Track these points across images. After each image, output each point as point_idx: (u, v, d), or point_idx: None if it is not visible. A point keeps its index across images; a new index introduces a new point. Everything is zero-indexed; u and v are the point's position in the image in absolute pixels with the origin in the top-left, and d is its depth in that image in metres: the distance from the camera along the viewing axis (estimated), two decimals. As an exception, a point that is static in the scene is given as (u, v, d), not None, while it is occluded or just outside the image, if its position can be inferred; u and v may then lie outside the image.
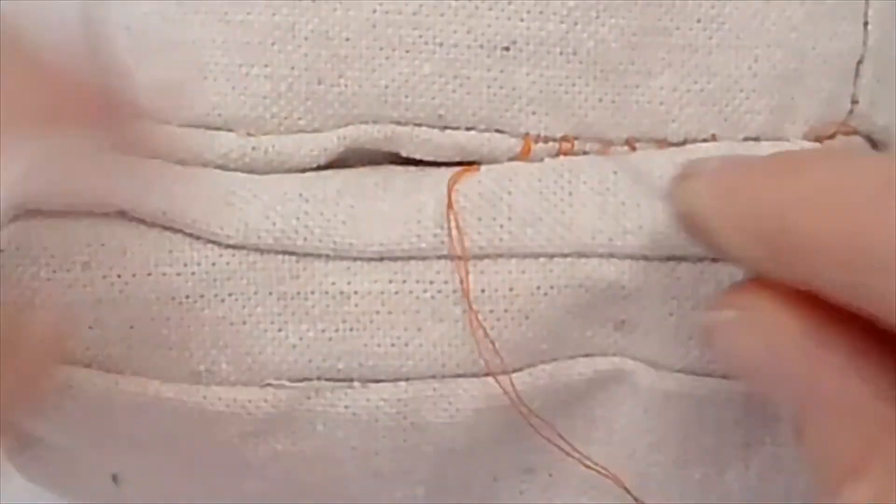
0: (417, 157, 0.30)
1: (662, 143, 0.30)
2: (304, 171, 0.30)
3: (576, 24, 0.29)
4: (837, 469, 0.23)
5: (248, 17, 0.29)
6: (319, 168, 0.30)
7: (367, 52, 0.29)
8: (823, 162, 0.23)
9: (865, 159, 0.25)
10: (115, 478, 0.32)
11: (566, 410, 0.30)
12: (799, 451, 0.24)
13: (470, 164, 0.30)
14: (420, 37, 0.29)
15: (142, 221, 0.29)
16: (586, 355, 0.29)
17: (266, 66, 0.29)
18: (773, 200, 0.23)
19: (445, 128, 0.29)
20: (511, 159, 0.30)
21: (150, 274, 0.29)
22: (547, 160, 0.30)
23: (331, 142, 0.29)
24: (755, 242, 0.23)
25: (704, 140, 0.30)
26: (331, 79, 0.29)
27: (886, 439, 0.22)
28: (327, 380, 0.29)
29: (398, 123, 0.29)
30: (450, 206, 0.29)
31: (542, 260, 0.29)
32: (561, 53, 0.29)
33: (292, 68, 0.29)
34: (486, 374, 0.29)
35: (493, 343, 0.28)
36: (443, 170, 0.30)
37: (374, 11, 0.29)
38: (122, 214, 0.29)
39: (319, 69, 0.29)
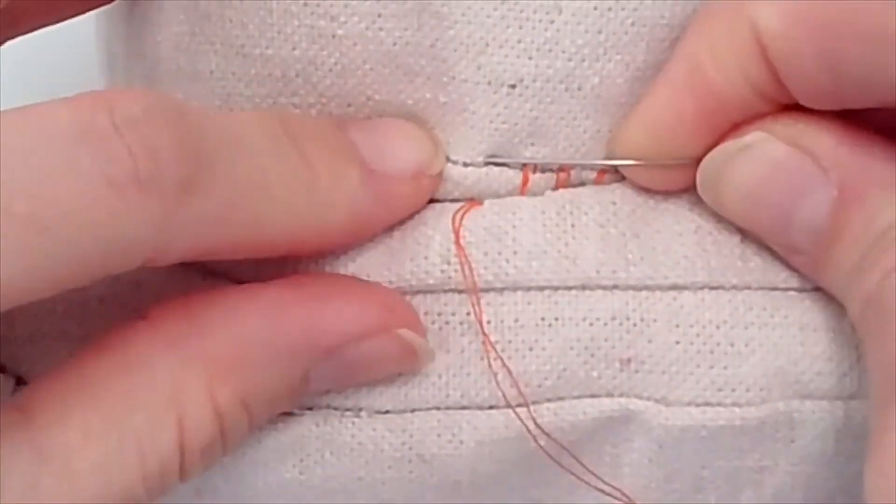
0: None
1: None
2: None
3: (583, 60, 0.29)
4: None
5: (266, 52, 0.29)
6: None
7: (391, 78, 0.29)
8: None
9: None
10: None
11: (573, 446, 0.30)
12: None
13: (470, 199, 0.30)
14: (437, 68, 0.29)
15: None
16: (592, 396, 0.29)
17: (293, 95, 0.29)
18: None
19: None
20: (510, 192, 0.30)
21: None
22: (548, 193, 0.30)
23: None
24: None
25: None
26: (359, 101, 0.29)
27: None
28: (335, 408, 0.29)
29: None
30: (457, 242, 0.29)
31: (547, 292, 0.29)
32: (566, 90, 0.30)
33: (320, 96, 0.29)
34: (505, 406, 0.29)
35: (510, 372, 0.29)
36: (446, 204, 0.30)
37: (395, 44, 0.29)
38: None
39: (347, 95, 0.29)
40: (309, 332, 0.27)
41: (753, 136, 0.28)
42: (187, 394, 0.25)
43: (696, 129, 0.28)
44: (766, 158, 0.27)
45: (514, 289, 0.29)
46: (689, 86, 0.28)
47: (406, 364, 0.29)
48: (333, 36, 0.29)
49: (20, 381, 0.29)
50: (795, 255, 0.28)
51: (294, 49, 0.29)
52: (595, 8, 0.29)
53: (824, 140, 0.27)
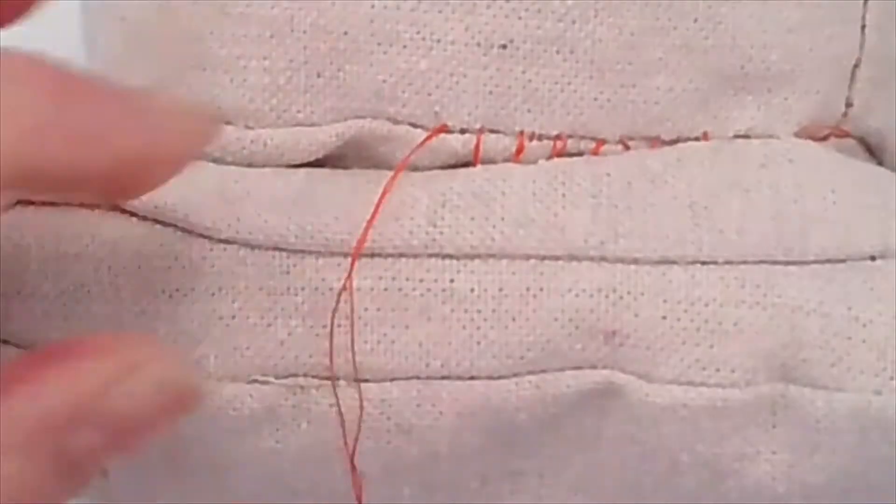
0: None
1: (655, 142, 0.30)
2: (300, 165, 0.30)
3: (574, 22, 0.29)
4: None
5: (246, 10, 0.29)
6: (317, 164, 0.30)
7: (365, 47, 0.29)
8: None
9: None
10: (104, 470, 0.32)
11: (553, 420, 0.29)
12: None
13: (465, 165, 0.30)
14: (417, 33, 0.29)
15: (133, 214, 0.29)
16: (575, 368, 0.29)
17: (265, 58, 0.29)
18: None
19: (439, 130, 0.29)
20: (506, 159, 0.30)
21: (140, 267, 0.29)
22: (541, 162, 0.30)
23: (328, 136, 0.29)
24: None
25: (696, 138, 0.30)
26: (329, 72, 0.29)
27: None
28: (313, 377, 0.29)
29: (395, 121, 0.29)
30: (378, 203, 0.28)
31: (532, 262, 0.28)
32: (558, 52, 0.29)
33: (291, 61, 0.29)
34: (486, 377, 0.28)
35: (353, 344, 0.28)
36: (436, 170, 0.30)
37: (373, 7, 0.29)
38: (115, 207, 0.29)
39: (318, 62, 0.29)
40: (39, 415, 0.23)
41: None
42: None
43: None
44: None
45: (500, 257, 0.28)
46: None
47: (179, 404, 0.25)
48: None
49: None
50: None
51: (273, 7, 0.28)
52: None
53: None
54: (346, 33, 0.29)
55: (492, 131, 0.29)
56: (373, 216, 0.28)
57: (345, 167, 0.30)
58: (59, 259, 0.29)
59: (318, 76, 0.29)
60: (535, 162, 0.30)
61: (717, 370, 0.28)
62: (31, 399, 0.23)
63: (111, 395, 0.23)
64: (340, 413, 0.29)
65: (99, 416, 0.23)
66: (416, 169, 0.30)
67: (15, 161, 0.21)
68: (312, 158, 0.30)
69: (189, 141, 0.24)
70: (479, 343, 0.28)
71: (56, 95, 0.22)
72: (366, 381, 0.29)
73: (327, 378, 0.29)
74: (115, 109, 0.23)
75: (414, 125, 0.29)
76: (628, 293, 0.28)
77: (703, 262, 0.28)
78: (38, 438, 0.23)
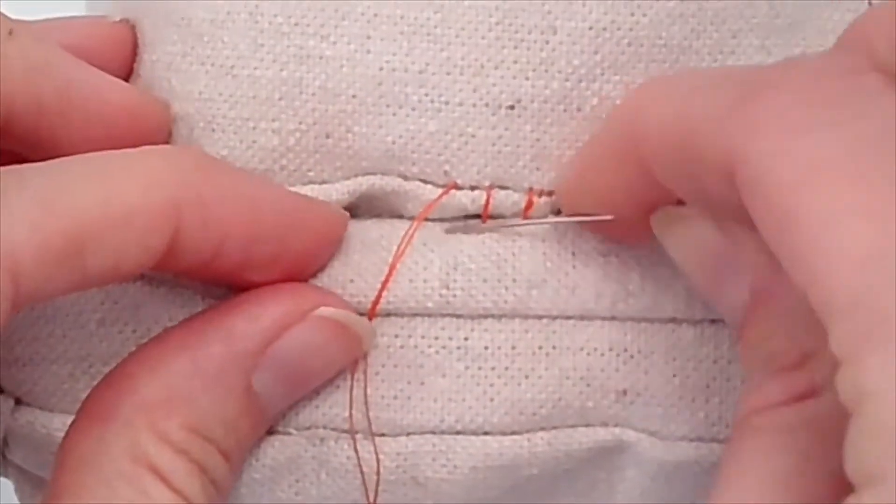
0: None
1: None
2: None
3: (580, 81, 0.29)
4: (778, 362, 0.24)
5: (255, 72, 0.29)
6: None
7: (373, 109, 0.29)
8: None
9: None
10: None
11: (566, 475, 0.29)
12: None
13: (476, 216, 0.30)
14: (426, 95, 0.29)
15: (153, 279, 0.29)
16: (586, 425, 0.29)
17: (274, 120, 0.29)
18: None
19: (451, 187, 0.29)
20: (515, 214, 0.30)
21: (164, 327, 0.29)
22: (550, 218, 0.30)
23: (341, 194, 0.30)
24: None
25: None
26: (338, 133, 0.29)
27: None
28: (332, 429, 0.29)
29: (405, 178, 0.30)
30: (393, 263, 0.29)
31: (545, 320, 0.29)
32: (565, 110, 0.29)
33: (300, 123, 0.29)
34: (499, 433, 0.29)
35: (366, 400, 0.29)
36: (445, 225, 0.30)
37: (381, 69, 0.29)
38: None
39: (327, 124, 0.29)
40: (227, 348, 0.27)
41: (688, 210, 0.27)
42: (143, 446, 0.26)
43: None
44: (693, 236, 0.27)
45: (513, 316, 0.29)
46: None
47: (346, 344, 0.28)
48: (321, 57, 0.29)
49: (19, 402, 0.30)
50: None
51: (282, 70, 0.29)
52: (590, 28, 0.29)
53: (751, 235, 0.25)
54: (354, 96, 0.29)
55: (501, 188, 0.29)
56: (387, 279, 0.29)
57: (355, 217, 0.30)
58: (83, 324, 0.29)
59: (328, 137, 0.29)
60: (545, 216, 0.30)
61: (727, 426, 0.28)
62: (221, 340, 0.27)
63: (286, 338, 0.27)
64: (360, 466, 0.29)
65: (276, 358, 0.27)
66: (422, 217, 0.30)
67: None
68: (326, 214, 0.30)
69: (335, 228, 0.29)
70: (492, 399, 0.29)
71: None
72: (382, 434, 0.29)
73: (346, 431, 0.29)
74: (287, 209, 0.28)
75: (424, 181, 0.29)
76: (639, 352, 0.29)
77: (712, 321, 0.29)
78: (229, 374, 0.27)
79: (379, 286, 0.29)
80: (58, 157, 0.27)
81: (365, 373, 0.29)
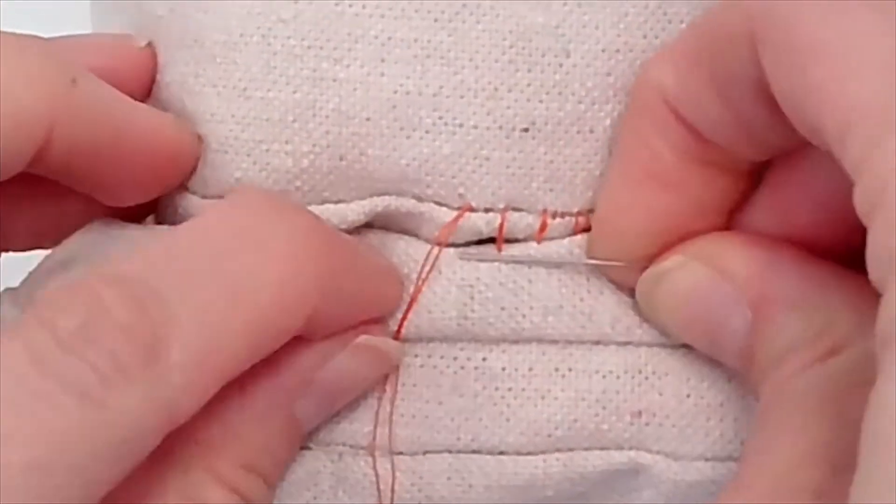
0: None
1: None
2: None
3: (593, 103, 0.29)
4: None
5: (268, 94, 0.29)
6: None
7: (387, 132, 0.29)
8: None
9: None
10: None
11: (581, 497, 0.30)
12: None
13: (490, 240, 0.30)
14: (440, 118, 0.29)
15: None
16: (601, 448, 0.29)
17: (287, 142, 0.29)
18: None
19: (465, 210, 0.29)
20: (529, 236, 0.30)
21: None
22: (565, 243, 0.30)
23: (355, 213, 0.30)
24: None
25: None
26: (352, 156, 0.29)
27: None
28: (350, 446, 0.30)
29: (419, 199, 0.30)
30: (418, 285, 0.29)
31: (561, 344, 0.29)
32: (578, 132, 0.29)
33: (314, 145, 0.29)
34: (514, 453, 0.29)
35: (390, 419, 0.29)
36: (461, 249, 0.30)
37: (395, 92, 0.29)
38: None
39: (340, 146, 0.29)
40: (275, 381, 0.27)
41: (672, 262, 0.27)
42: (197, 488, 0.26)
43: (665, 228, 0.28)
44: (683, 284, 0.27)
45: (529, 340, 0.29)
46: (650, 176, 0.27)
47: (380, 366, 0.29)
48: (335, 79, 0.29)
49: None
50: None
51: (295, 92, 0.29)
52: (603, 50, 0.29)
53: (740, 260, 0.26)
54: (368, 119, 0.29)
55: (515, 210, 0.29)
56: (407, 310, 0.29)
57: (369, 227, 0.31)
58: None
59: (341, 159, 0.29)
60: (560, 238, 0.30)
61: (742, 444, 0.29)
62: (269, 374, 0.27)
63: (327, 368, 0.28)
64: (378, 484, 0.29)
65: (319, 386, 0.28)
66: (439, 243, 0.30)
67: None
68: (340, 231, 0.30)
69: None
70: (508, 420, 0.29)
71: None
72: (400, 453, 0.29)
73: (363, 448, 0.30)
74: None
75: (439, 203, 0.30)
76: (653, 373, 0.29)
77: None
78: (276, 407, 0.28)
79: (400, 317, 0.29)
80: (100, 189, 0.28)
81: (393, 392, 0.29)
